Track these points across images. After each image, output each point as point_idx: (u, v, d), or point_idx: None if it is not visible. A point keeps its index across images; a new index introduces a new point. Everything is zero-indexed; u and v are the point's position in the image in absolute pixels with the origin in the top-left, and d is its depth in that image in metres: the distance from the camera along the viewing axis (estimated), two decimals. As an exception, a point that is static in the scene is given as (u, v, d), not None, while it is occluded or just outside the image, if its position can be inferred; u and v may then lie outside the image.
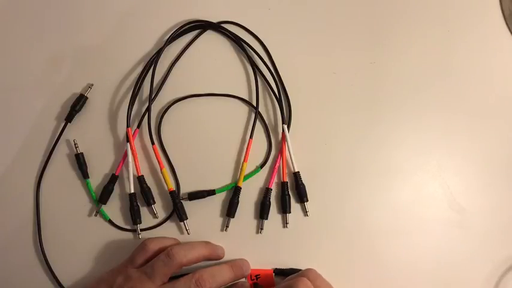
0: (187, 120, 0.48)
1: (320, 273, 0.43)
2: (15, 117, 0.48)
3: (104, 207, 0.46)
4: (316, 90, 0.49)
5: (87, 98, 0.48)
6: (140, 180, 0.46)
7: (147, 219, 0.46)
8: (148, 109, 0.47)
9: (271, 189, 0.46)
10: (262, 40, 0.50)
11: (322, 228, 0.46)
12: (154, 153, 0.46)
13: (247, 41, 0.49)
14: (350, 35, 0.50)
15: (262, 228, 0.46)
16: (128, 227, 0.46)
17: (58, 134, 0.47)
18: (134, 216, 0.45)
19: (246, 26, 0.50)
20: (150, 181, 0.46)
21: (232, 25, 0.50)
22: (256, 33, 0.50)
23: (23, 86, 0.49)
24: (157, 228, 0.46)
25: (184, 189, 0.47)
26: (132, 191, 0.45)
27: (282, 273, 0.44)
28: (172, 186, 0.46)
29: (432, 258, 0.46)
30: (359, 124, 0.48)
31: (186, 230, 0.45)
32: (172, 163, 0.47)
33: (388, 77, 0.49)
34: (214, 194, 0.46)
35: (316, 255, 0.45)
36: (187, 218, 0.45)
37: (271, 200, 0.46)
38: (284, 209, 0.46)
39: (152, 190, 0.46)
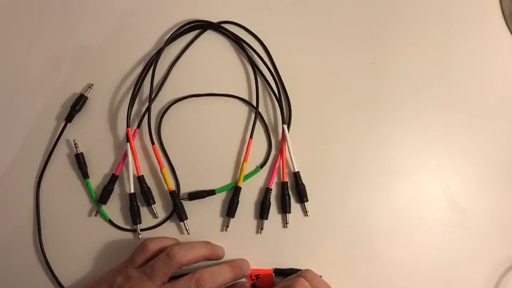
0: (187, 120, 0.48)
1: (320, 273, 0.43)
2: (15, 117, 0.48)
3: (104, 207, 0.46)
4: (316, 90, 0.49)
5: (87, 98, 0.48)
6: (140, 180, 0.46)
7: (147, 219, 0.46)
8: (148, 109, 0.47)
9: (271, 189, 0.46)
10: (262, 40, 0.50)
11: (322, 228, 0.46)
12: (154, 153, 0.46)
13: (247, 41, 0.49)
14: (350, 35, 0.50)
15: (262, 228, 0.46)
16: (128, 227, 0.46)
17: (58, 134, 0.47)
18: (134, 216, 0.45)
19: (246, 26, 0.50)
20: (150, 181, 0.46)
21: (232, 25, 0.50)
22: (256, 33, 0.50)
23: (23, 86, 0.49)
24: (157, 228, 0.46)
25: (184, 189, 0.47)
26: (132, 191, 0.45)
27: (282, 273, 0.44)
28: (172, 186, 0.46)
29: (432, 258, 0.46)
30: (359, 124, 0.48)
31: (186, 230, 0.45)
32: (172, 163, 0.47)
33: (388, 77, 0.49)
34: (214, 194, 0.46)
35: (316, 255, 0.45)
36: (187, 218, 0.45)
37: (271, 200, 0.46)
38: (284, 209, 0.46)
39: (152, 190, 0.46)
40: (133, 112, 0.48)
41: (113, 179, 0.46)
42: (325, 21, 0.50)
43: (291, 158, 0.46)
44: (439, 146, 0.48)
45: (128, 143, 0.46)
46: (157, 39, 0.50)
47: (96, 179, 0.47)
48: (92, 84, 0.48)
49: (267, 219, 0.46)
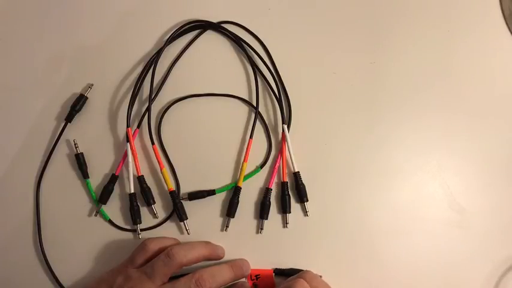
0: (187, 120, 0.48)
1: (320, 273, 0.43)
2: (15, 117, 0.48)
3: (104, 207, 0.46)
4: (316, 90, 0.49)
5: (87, 98, 0.48)
6: (140, 180, 0.46)
7: (147, 219, 0.46)
8: (148, 109, 0.47)
9: (271, 189, 0.46)
10: (262, 40, 0.50)
11: (322, 228, 0.46)
12: (154, 153, 0.46)
13: (247, 41, 0.49)
14: (350, 35, 0.50)
15: (262, 228, 0.46)
16: (128, 227, 0.46)
17: (58, 134, 0.47)
18: (134, 216, 0.45)
19: (246, 26, 0.50)
20: (150, 181, 0.46)
21: (232, 25, 0.50)
22: (256, 33, 0.50)
23: (23, 86, 0.49)
24: (157, 228, 0.46)
25: (184, 189, 0.47)
26: (132, 191, 0.45)
27: (282, 273, 0.44)
28: (172, 186, 0.46)
29: (432, 258, 0.46)
30: (359, 124, 0.48)
31: (186, 230, 0.45)
32: (172, 163, 0.47)
33: (388, 77, 0.49)
34: (214, 194, 0.46)
35: (316, 255, 0.45)
36: (187, 218, 0.45)
37: (271, 200, 0.46)
38: (284, 209, 0.46)
39: (152, 190, 0.46)
40: (133, 112, 0.48)
41: (113, 179, 0.46)
42: (325, 21, 0.50)
43: (291, 158, 0.46)
44: (439, 146, 0.48)
45: (128, 143, 0.46)
46: (157, 39, 0.50)
47: (96, 179, 0.47)
48: (92, 84, 0.48)
49: (267, 219, 0.46)
